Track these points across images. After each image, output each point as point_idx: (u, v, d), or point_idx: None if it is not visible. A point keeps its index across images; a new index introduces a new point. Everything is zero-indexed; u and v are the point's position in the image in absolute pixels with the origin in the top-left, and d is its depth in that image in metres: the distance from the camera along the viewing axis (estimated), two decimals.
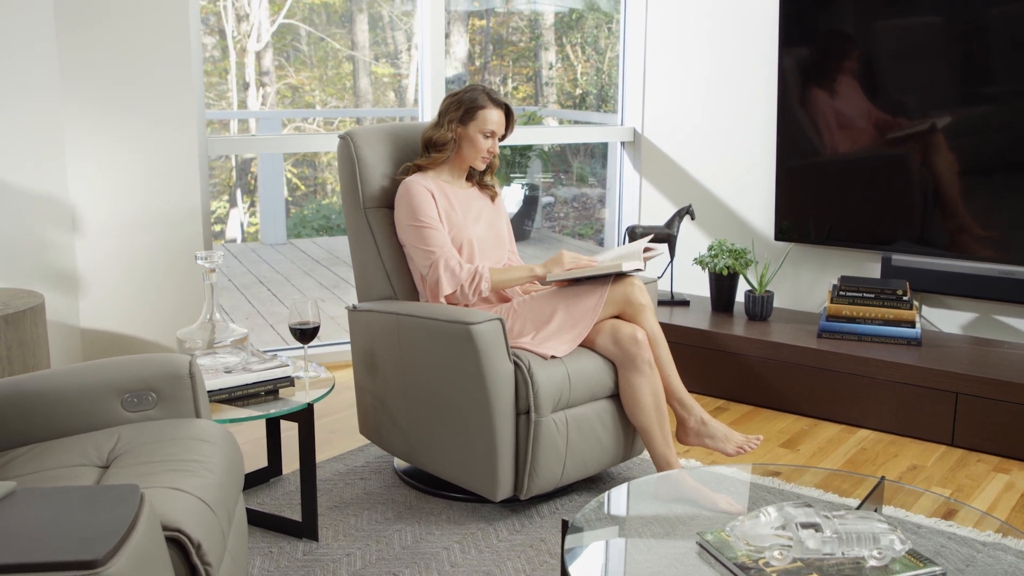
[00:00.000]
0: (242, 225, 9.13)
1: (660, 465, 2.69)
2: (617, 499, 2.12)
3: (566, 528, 1.83)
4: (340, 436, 3.23)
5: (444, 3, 4.03)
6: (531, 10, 7.70)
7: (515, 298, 2.84)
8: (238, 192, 9.44)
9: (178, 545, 1.60)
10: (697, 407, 2.77)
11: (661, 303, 4.02)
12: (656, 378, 2.68)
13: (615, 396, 2.73)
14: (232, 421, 2.24)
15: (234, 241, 8.61)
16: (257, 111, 8.65)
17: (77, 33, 3.22)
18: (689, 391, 2.82)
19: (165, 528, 1.58)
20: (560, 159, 8.48)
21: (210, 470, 1.84)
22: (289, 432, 2.92)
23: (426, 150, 2.81)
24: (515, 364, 2.53)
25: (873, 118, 3.71)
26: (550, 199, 8.88)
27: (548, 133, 5.75)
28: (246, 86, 9.29)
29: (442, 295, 2.68)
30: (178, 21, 3.34)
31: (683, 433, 2.79)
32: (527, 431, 2.54)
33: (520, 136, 5.69)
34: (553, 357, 2.60)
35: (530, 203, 7.76)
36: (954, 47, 3.51)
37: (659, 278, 4.18)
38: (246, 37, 9.09)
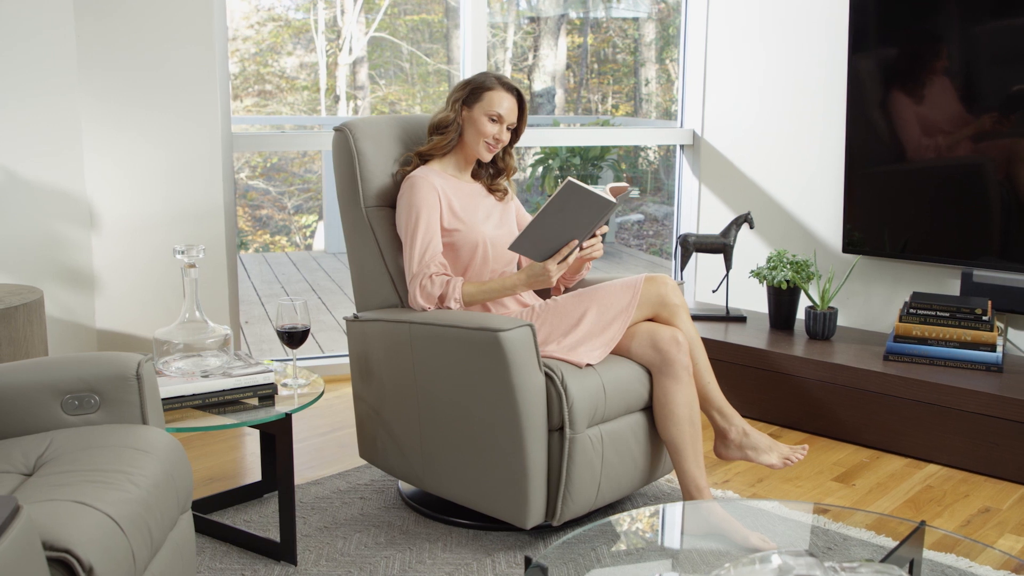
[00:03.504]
0: (326, 237, 9.17)
1: (687, 487, 2.40)
2: (606, 532, 1.84)
3: (528, 567, 1.57)
4: (350, 451, 3.02)
5: (486, 6, 3.81)
6: (633, 21, 7.49)
7: (536, 301, 2.60)
8: (323, 205, 9.46)
9: (66, 567, 1.41)
10: (738, 417, 2.51)
11: (715, 319, 3.69)
12: (692, 389, 2.41)
13: (648, 409, 2.47)
14: (182, 430, 2.06)
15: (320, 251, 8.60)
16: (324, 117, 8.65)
17: (96, 22, 3.13)
18: (741, 415, 2.54)
19: (49, 548, 1.40)
20: (655, 177, 8.26)
21: (136, 484, 1.65)
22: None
23: (429, 135, 2.60)
24: (547, 375, 2.28)
25: (959, 123, 3.33)
26: (639, 217, 8.60)
27: (604, 135, 5.44)
28: (336, 99, 9.31)
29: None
30: (202, 8, 3.21)
31: (723, 446, 2.51)
32: (560, 450, 2.27)
33: (577, 137, 5.47)
34: (588, 365, 2.34)
35: None
36: None
37: (714, 291, 3.86)
38: (338, 51, 9.10)
